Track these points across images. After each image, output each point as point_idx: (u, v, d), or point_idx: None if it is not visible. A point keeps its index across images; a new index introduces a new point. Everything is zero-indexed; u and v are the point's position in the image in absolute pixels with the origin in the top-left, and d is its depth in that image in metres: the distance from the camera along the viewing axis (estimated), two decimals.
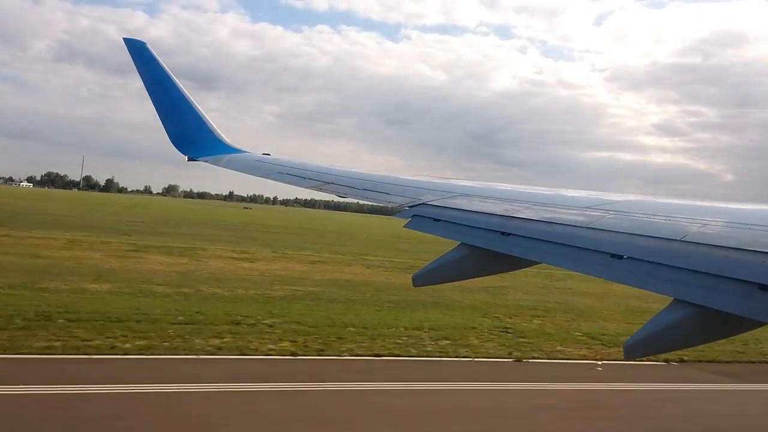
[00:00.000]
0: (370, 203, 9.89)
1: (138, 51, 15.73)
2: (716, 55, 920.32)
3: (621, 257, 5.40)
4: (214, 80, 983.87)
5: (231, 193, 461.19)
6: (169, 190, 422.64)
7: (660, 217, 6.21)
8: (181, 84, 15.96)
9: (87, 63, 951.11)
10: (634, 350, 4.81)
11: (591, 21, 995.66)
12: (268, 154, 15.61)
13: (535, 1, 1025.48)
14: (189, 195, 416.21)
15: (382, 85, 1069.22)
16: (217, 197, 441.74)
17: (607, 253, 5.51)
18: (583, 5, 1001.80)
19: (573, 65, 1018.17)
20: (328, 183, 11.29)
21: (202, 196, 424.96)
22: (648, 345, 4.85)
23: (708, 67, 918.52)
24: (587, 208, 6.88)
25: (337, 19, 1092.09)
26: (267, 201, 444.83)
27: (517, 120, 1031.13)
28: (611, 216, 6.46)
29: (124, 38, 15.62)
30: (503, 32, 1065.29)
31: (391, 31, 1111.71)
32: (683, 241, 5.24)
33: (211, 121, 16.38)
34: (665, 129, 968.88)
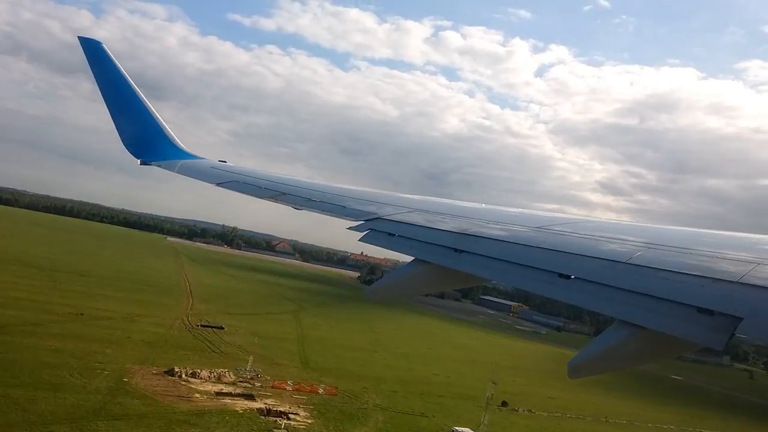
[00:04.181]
0: (323, 215, 10.24)
1: (93, 50, 16.33)
2: (652, 119, 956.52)
3: (569, 277, 5.86)
4: (162, 89, 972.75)
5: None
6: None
7: (607, 239, 6.85)
8: (135, 86, 16.36)
9: (31, 57, 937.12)
10: (578, 370, 5.27)
11: (533, 71, 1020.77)
12: (225, 161, 16.08)
13: (479, 45, 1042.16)
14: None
15: (334, 113, 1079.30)
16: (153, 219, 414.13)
17: (555, 272, 6.01)
18: (525, 55, 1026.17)
19: (518, 114, 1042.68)
20: (284, 194, 11.84)
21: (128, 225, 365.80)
22: (591, 365, 5.28)
23: (645, 130, 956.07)
24: (539, 227, 7.63)
25: (285, 40, 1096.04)
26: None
27: (467, 163, 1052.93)
28: (561, 236, 7.12)
29: (79, 37, 16.20)
30: (450, 73, 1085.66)
31: (340, 60, 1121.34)
32: (629, 263, 5.73)
33: (166, 126, 16.92)
34: (609, 187, 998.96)
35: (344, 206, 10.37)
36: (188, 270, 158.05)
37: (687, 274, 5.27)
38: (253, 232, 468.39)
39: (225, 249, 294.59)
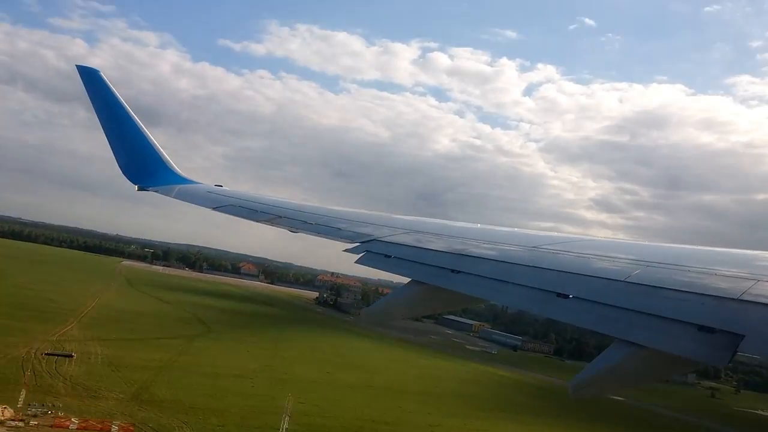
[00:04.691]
0: (319, 238, 10.28)
1: (91, 78, 16.98)
2: (643, 136, 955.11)
3: (567, 296, 5.82)
4: (156, 115, 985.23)
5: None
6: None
7: (604, 257, 6.84)
8: (132, 113, 16.96)
9: (27, 86, 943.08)
10: (580, 390, 5.23)
11: (521, 90, 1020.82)
12: (221, 186, 16.60)
13: (466, 65, 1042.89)
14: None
15: (326, 135, 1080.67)
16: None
17: (553, 292, 5.96)
18: (512, 74, 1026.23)
19: (509, 133, 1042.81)
20: (280, 217, 11.95)
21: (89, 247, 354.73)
22: (592, 385, 5.22)
23: (636, 146, 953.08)
24: (534, 247, 7.64)
25: (276, 65, 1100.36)
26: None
27: (460, 183, 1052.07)
28: (557, 255, 7.16)
29: (77, 65, 17.12)
30: (439, 94, 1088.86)
31: (330, 83, 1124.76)
32: (627, 282, 5.67)
33: (163, 152, 17.47)
34: (603, 205, 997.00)
35: (339, 228, 10.41)
36: (109, 294, 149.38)
37: (686, 291, 5.28)
38: (248, 255, 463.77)
39: (184, 272, 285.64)
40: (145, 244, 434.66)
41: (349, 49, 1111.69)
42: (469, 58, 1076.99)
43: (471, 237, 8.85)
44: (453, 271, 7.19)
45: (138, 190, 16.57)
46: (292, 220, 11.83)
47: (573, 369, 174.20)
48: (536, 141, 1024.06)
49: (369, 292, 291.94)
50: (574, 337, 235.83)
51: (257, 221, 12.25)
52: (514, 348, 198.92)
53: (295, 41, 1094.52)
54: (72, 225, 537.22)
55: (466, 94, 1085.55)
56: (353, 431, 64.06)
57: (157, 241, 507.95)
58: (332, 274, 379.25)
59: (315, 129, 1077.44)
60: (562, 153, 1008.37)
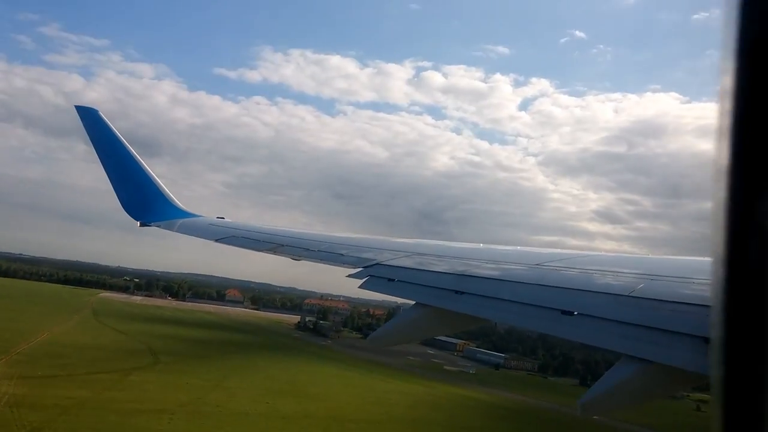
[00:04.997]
0: (323, 265, 10.45)
1: (89, 118, 17.25)
2: (640, 145, 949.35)
3: (571, 313, 5.75)
4: (155, 146, 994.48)
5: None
6: None
7: (608, 272, 6.78)
8: (132, 149, 17.35)
9: (25, 123, 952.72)
10: (590, 409, 5.16)
11: (516, 105, 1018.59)
12: (223, 218, 16.75)
13: (461, 83, 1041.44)
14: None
15: (325, 158, 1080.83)
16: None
17: (558, 309, 5.91)
18: (507, 90, 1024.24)
19: (507, 148, 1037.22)
20: (282, 246, 12.09)
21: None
22: (602, 403, 5.17)
23: (635, 156, 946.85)
24: (537, 264, 7.61)
25: (271, 91, 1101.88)
26: None
27: (461, 200, 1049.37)
28: (561, 272, 7.18)
29: (75, 106, 17.41)
30: (435, 112, 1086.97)
31: (326, 106, 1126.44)
32: (632, 296, 5.57)
33: (163, 186, 17.62)
34: (606, 216, 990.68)
35: (341, 254, 10.44)
36: (63, 327, 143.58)
37: (692, 304, 5.21)
38: (252, 282, 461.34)
39: (164, 301, 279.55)
40: (147, 275, 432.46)
41: (343, 71, 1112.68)
42: (463, 76, 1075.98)
43: (473, 257, 8.93)
44: (457, 292, 7.18)
45: (140, 226, 16.65)
46: (294, 248, 12.03)
47: (551, 386, 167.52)
48: (534, 155, 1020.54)
49: (355, 315, 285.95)
50: (562, 353, 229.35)
51: (260, 251, 12.36)
52: (497, 366, 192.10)
53: (290, 66, 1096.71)
54: (74, 259, 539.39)
55: (462, 111, 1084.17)
56: None
57: (159, 272, 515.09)
58: (321, 297, 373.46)
59: (313, 152, 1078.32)
60: (561, 166, 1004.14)
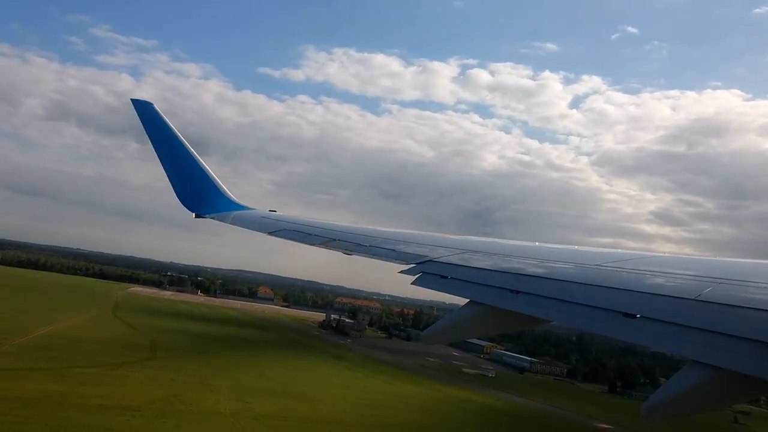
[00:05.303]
0: (374, 261, 10.28)
1: (145, 111, 17.50)
2: (701, 144, 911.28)
3: (634, 316, 5.64)
4: (204, 145, 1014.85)
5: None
6: None
7: (672, 274, 6.60)
8: (186, 143, 17.60)
9: (79, 122, 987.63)
10: (652, 414, 5.11)
11: (567, 103, 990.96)
12: (275, 211, 17.18)
13: (508, 81, 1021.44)
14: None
15: (371, 158, 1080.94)
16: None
17: (620, 312, 5.77)
18: (557, 87, 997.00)
19: (558, 147, 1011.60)
20: (335, 240, 12.03)
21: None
22: (666, 408, 5.10)
23: (695, 156, 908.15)
24: (598, 265, 7.37)
25: (316, 90, 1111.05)
26: None
27: (511, 200, 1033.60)
28: (621, 273, 6.92)
29: (131, 99, 17.47)
30: (483, 111, 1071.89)
31: (371, 105, 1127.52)
32: (698, 300, 5.44)
33: (218, 179, 18.14)
34: (665, 218, 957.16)
35: (394, 250, 10.29)
36: (75, 321, 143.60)
37: (762, 309, 5.04)
38: (299, 279, 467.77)
39: (193, 297, 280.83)
40: (198, 270, 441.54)
41: (388, 70, 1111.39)
42: (511, 73, 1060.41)
43: (529, 256, 8.67)
44: (512, 291, 7.05)
45: (195, 217, 17.04)
46: (346, 242, 11.94)
47: (574, 391, 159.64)
48: (588, 154, 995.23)
49: (383, 314, 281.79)
50: (595, 358, 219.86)
51: (312, 245, 12.55)
52: (521, 370, 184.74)
53: (333, 65, 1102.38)
54: (128, 254, 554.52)
55: (510, 110, 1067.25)
56: None
57: (210, 268, 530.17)
58: (354, 296, 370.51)
59: (359, 151, 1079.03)
60: (616, 166, 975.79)
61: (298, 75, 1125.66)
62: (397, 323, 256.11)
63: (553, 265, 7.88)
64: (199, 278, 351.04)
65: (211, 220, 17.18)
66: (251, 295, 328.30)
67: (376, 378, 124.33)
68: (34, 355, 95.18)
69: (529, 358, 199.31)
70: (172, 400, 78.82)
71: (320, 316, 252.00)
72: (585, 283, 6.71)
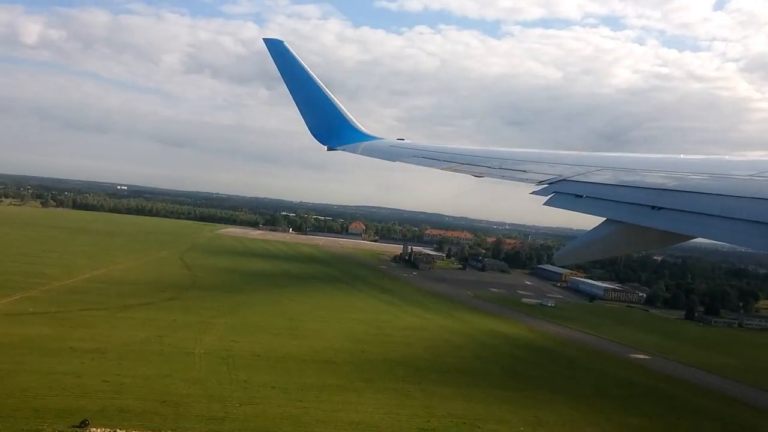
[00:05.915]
0: (505, 182, 9.92)
1: (277, 49, 18.26)
2: None
3: None
4: (327, 85, 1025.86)
5: None
6: None
7: None
8: (317, 78, 17.71)
9: (213, 73, 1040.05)
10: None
11: (711, 5, 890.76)
12: (402, 139, 17.66)
13: None
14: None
15: (494, 85, 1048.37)
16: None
17: None
18: None
19: (700, 56, 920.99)
20: (464, 164, 11.66)
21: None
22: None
23: None
24: (749, 176, 6.72)
25: (433, 18, 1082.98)
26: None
27: (646, 118, 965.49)
28: None
29: (264, 39, 18.27)
30: (613, 23, 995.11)
31: (491, 28, 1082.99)
32: None
33: (347, 112, 18.47)
34: None
35: (525, 170, 9.97)
36: (132, 262, 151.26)
37: None
38: (423, 212, 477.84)
39: (282, 235, 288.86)
40: (324, 209, 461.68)
41: None
42: None
43: (668, 169, 8.29)
44: (653, 207, 6.76)
45: (327, 150, 17.62)
46: (475, 166, 11.63)
47: (642, 319, 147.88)
48: (735, 60, 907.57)
49: (468, 246, 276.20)
50: (686, 283, 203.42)
51: (441, 169, 12.22)
52: (591, 298, 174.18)
53: None
54: (262, 196, 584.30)
55: (644, 19, 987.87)
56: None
57: (336, 205, 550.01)
58: (446, 227, 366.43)
59: (481, 79, 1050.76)
60: None
61: (414, 5, 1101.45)
62: (477, 254, 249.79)
63: (699, 178, 7.45)
64: (291, 215, 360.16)
65: (343, 152, 17.66)
66: (344, 230, 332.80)
67: (407, 312, 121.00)
68: (55, 299, 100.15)
69: (604, 285, 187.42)
70: (153, 341, 79.83)
71: (394, 250, 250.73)
72: (737, 196, 6.32)
